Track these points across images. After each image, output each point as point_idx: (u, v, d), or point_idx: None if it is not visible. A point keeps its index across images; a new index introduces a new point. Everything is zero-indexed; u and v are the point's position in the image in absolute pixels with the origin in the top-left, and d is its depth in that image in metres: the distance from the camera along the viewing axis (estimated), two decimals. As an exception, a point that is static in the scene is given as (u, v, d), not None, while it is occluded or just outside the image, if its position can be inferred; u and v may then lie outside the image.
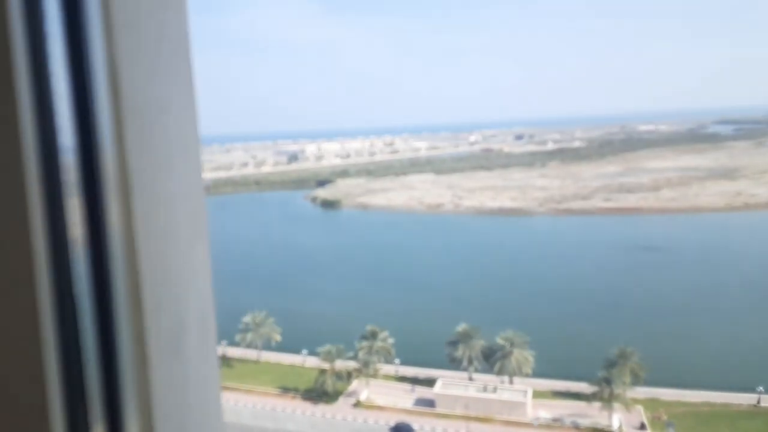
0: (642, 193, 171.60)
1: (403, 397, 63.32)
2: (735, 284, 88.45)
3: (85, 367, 1.06)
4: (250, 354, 72.08)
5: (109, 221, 1.11)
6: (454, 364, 64.84)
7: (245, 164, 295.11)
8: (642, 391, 58.82)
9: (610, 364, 57.98)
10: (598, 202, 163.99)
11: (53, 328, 0.99)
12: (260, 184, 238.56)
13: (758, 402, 57.64)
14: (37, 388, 0.98)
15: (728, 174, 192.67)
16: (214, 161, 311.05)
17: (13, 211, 0.95)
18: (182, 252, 1.41)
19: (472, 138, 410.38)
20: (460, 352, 64.22)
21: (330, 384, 62.35)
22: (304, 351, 69.39)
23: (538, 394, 60.81)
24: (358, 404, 62.20)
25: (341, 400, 63.10)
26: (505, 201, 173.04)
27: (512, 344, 62.82)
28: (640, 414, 56.85)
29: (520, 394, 60.18)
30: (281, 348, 71.38)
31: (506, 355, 62.57)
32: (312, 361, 67.27)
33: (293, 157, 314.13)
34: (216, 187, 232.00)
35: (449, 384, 62.85)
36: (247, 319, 71.45)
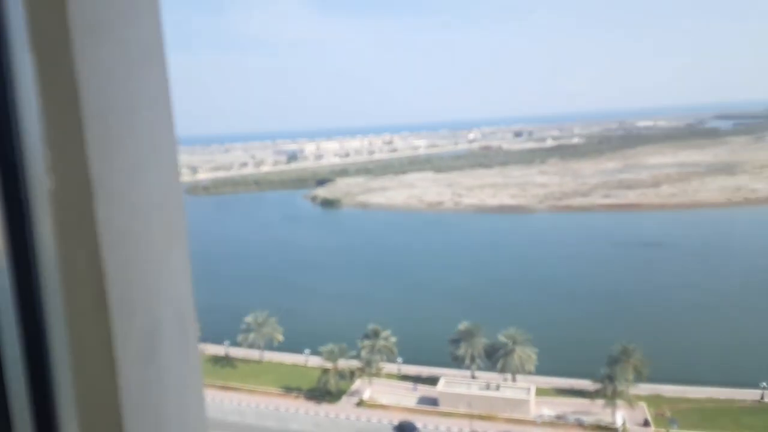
0: (641, 189, 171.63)
1: (406, 396, 63.27)
2: (737, 279, 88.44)
3: (8, 380, 1.05)
4: (253, 354, 72.09)
5: (36, 230, 1.07)
6: (456, 362, 64.78)
7: (245, 164, 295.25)
8: (645, 388, 58.78)
9: (613, 361, 57.96)
10: (597, 199, 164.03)
11: None
12: (260, 183, 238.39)
13: (762, 397, 57.64)
14: None
15: (728, 169, 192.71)
16: (213, 161, 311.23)
17: None
18: (156, 256, 1.39)
19: (471, 135, 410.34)
20: (462, 350, 64.15)
21: (333, 383, 62.31)
22: (307, 350, 69.39)
23: (541, 392, 60.79)
24: (361, 403, 62.18)
25: (344, 399, 63.08)
26: (505, 198, 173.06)
27: (515, 342, 62.75)
28: (644, 411, 56.82)
29: (523, 392, 60.13)
30: (283, 348, 71.35)
31: (509, 353, 62.50)
32: (314, 361, 67.30)
33: (292, 157, 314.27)
34: (216, 187, 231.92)
35: (452, 382, 62.81)
36: (248, 319, 71.40)
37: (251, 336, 70.72)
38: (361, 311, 78.99)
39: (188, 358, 1.57)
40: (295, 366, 70.14)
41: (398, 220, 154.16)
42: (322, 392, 62.74)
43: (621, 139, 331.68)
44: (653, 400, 58.47)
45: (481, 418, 57.11)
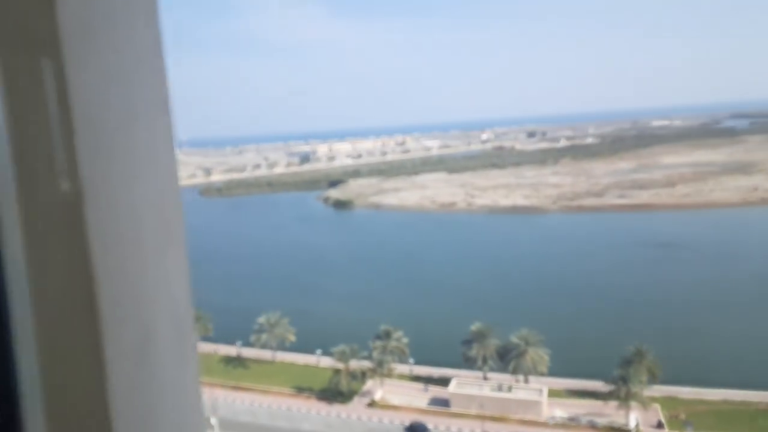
0: (655, 190, 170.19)
1: (418, 397, 63.23)
2: (753, 280, 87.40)
3: None
4: (265, 354, 72.46)
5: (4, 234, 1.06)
6: (468, 363, 64.57)
7: (258, 166, 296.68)
8: (660, 390, 58.25)
9: (626, 362, 57.48)
10: (611, 199, 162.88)
11: None
12: (273, 185, 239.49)
13: (778, 399, 56.90)
14: None
15: (743, 168, 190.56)
16: (227, 163, 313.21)
17: None
18: (151, 259, 1.38)
19: (484, 136, 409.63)
20: (474, 351, 63.95)
21: (344, 384, 62.42)
22: (319, 351, 69.59)
23: (553, 393, 60.45)
24: (372, 404, 62.24)
25: (356, 399, 63.18)
26: (518, 199, 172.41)
27: (527, 343, 62.44)
28: (658, 413, 56.31)
29: (536, 393, 59.83)
30: (295, 348, 71.63)
31: (521, 354, 62.20)
32: (326, 362, 67.48)
33: (305, 158, 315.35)
34: (229, 189, 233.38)
35: (464, 383, 62.65)
36: (261, 319, 71.81)
37: (264, 336, 71.10)
38: (373, 312, 79.05)
39: (185, 362, 1.56)
40: (306, 366, 70.39)
41: (411, 221, 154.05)
42: (334, 393, 62.88)
43: (635, 138, 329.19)
44: (667, 402, 57.92)
45: (493, 419, 56.88)
